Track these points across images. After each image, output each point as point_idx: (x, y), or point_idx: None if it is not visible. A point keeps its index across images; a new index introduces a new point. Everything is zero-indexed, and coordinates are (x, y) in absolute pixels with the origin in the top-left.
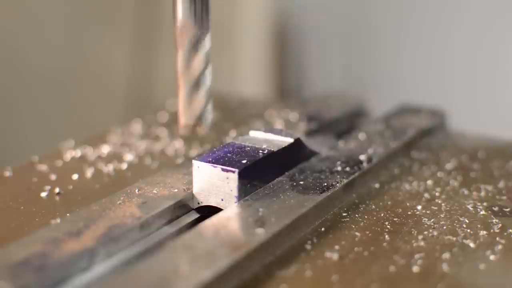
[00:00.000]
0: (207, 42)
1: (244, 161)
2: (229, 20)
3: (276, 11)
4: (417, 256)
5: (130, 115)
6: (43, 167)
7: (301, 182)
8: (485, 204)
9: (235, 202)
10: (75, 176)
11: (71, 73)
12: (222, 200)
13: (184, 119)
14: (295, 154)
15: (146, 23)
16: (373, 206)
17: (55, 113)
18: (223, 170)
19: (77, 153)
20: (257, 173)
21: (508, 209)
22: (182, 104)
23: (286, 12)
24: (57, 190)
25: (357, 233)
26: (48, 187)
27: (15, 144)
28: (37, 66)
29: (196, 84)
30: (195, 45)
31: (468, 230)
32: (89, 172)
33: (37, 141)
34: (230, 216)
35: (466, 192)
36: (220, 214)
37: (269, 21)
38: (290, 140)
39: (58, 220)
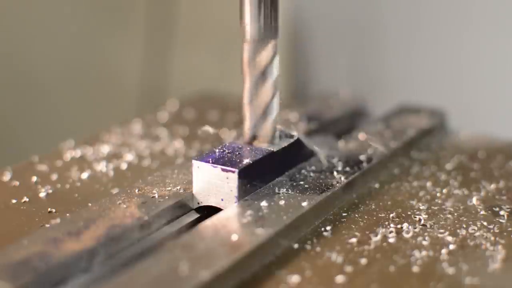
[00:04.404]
0: (275, 68)
1: (244, 161)
2: (237, 21)
3: (286, 16)
4: (417, 256)
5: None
6: (43, 167)
7: (301, 182)
8: (485, 204)
9: (235, 202)
10: (75, 176)
11: (77, 74)
12: (222, 200)
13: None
14: (295, 154)
15: (158, 24)
16: (373, 206)
17: (57, 113)
18: (223, 170)
19: (77, 153)
20: (257, 173)
21: (508, 209)
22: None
23: (295, 17)
24: (57, 190)
25: (357, 233)
26: (48, 187)
27: (15, 144)
28: (43, 67)
29: (264, 114)
30: (264, 73)
31: (468, 230)
32: (89, 172)
33: (37, 141)
34: (230, 216)
35: (466, 192)
36: (220, 214)
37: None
38: (290, 140)
39: (58, 220)
